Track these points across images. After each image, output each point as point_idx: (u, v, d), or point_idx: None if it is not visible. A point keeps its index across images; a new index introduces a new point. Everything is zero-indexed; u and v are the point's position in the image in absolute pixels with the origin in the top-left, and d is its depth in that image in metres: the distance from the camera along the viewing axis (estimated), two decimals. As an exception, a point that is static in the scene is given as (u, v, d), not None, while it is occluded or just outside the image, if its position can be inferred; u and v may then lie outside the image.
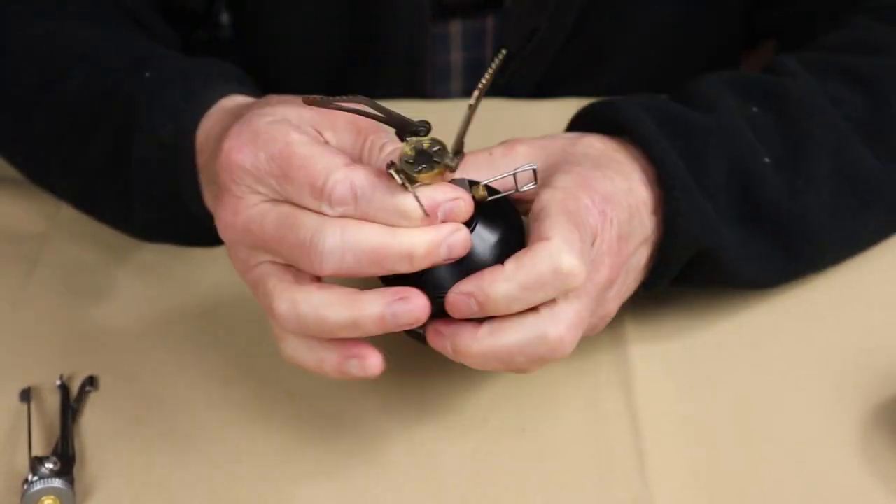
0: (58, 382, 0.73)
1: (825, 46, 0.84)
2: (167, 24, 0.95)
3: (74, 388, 0.73)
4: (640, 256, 0.69)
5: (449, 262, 0.60)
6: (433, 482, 0.68)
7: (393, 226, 0.58)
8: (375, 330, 0.59)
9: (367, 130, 0.64)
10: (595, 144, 0.71)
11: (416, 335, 0.64)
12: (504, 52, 0.59)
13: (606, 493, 0.67)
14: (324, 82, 1.03)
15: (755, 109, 0.74)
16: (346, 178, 0.58)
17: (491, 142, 0.96)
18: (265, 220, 0.60)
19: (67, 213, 0.87)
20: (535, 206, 0.64)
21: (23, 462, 0.68)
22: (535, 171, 0.64)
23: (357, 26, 0.99)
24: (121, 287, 0.81)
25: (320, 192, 0.58)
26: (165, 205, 0.74)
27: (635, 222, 0.68)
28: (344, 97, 0.58)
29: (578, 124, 0.76)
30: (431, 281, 0.60)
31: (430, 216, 0.58)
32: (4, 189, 0.90)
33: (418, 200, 0.58)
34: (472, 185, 0.61)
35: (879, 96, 0.77)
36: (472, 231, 0.60)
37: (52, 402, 0.73)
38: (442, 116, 0.99)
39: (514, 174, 0.63)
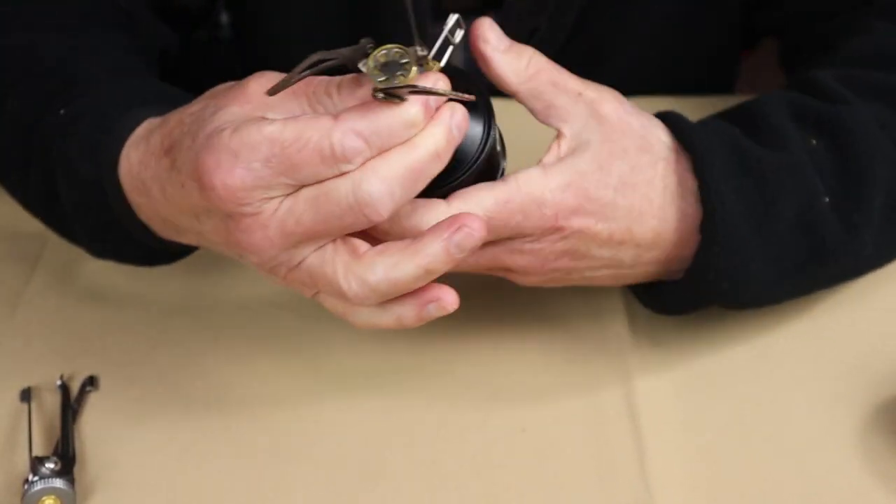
0: (58, 382, 0.73)
1: (856, 58, 0.82)
2: (165, 24, 0.94)
3: (75, 388, 0.73)
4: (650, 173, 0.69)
5: (464, 217, 0.59)
6: (433, 482, 0.68)
7: (407, 141, 0.58)
8: (447, 268, 0.59)
9: (303, 91, 0.62)
10: (664, 140, 0.71)
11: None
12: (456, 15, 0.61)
13: (606, 493, 0.67)
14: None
15: (814, 142, 0.72)
16: (345, 130, 0.57)
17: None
18: (299, 214, 0.59)
19: (67, 213, 0.87)
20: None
21: (23, 462, 0.68)
22: (458, 19, 0.63)
23: (357, 27, 0.99)
24: (121, 287, 0.81)
25: (332, 157, 0.57)
26: (106, 235, 0.71)
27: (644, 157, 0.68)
28: (299, 66, 0.58)
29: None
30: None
31: (429, 112, 0.58)
32: (4, 189, 0.90)
33: (426, 92, 0.58)
34: (421, 62, 0.60)
35: None
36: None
37: (53, 402, 0.73)
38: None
39: (445, 35, 0.63)
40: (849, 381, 0.73)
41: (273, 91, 0.58)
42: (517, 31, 0.98)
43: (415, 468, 0.69)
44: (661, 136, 0.71)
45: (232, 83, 0.64)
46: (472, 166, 0.63)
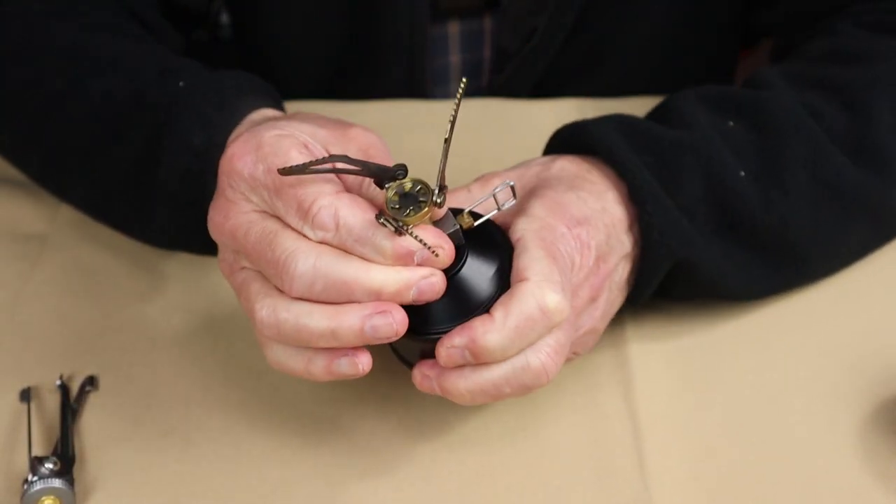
0: (58, 382, 0.73)
1: (806, 57, 0.84)
2: (171, 27, 0.94)
3: (74, 388, 0.73)
4: (621, 272, 0.71)
5: (418, 303, 0.60)
6: (433, 483, 0.68)
7: (369, 260, 0.59)
8: (354, 341, 0.60)
9: (376, 160, 0.64)
10: (568, 167, 0.72)
11: (407, 363, 0.65)
12: (465, 81, 0.61)
13: (606, 494, 0.67)
14: (324, 82, 1.03)
15: (731, 123, 0.75)
16: (331, 206, 0.59)
17: (491, 141, 0.97)
18: (249, 231, 0.61)
19: (67, 214, 0.87)
20: (513, 236, 0.65)
21: (23, 462, 0.68)
22: (512, 186, 0.64)
23: (356, 27, 0.99)
24: (121, 287, 0.81)
25: (305, 214, 0.59)
26: (188, 212, 0.73)
27: (613, 241, 0.69)
28: (320, 159, 0.59)
29: (554, 146, 0.77)
30: (428, 314, 0.61)
31: (403, 257, 0.59)
32: (5, 190, 0.90)
33: (420, 240, 0.59)
34: (456, 213, 0.62)
35: (858, 106, 0.77)
36: (464, 261, 0.62)
37: (52, 402, 0.73)
38: (441, 117, 0.99)
39: (494, 195, 0.64)
40: (849, 381, 0.74)
41: (285, 171, 0.59)
42: (516, 31, 0.99)
43: (415, 468, 0.69)
44: (564, 165, 0.72)
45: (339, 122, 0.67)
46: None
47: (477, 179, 0.71)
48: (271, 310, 0.61)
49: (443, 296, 0.61)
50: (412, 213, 0.59)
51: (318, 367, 0.62)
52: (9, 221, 0.87)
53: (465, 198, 0.69)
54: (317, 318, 0.60)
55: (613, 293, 0.70)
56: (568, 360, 0.68)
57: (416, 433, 0.71)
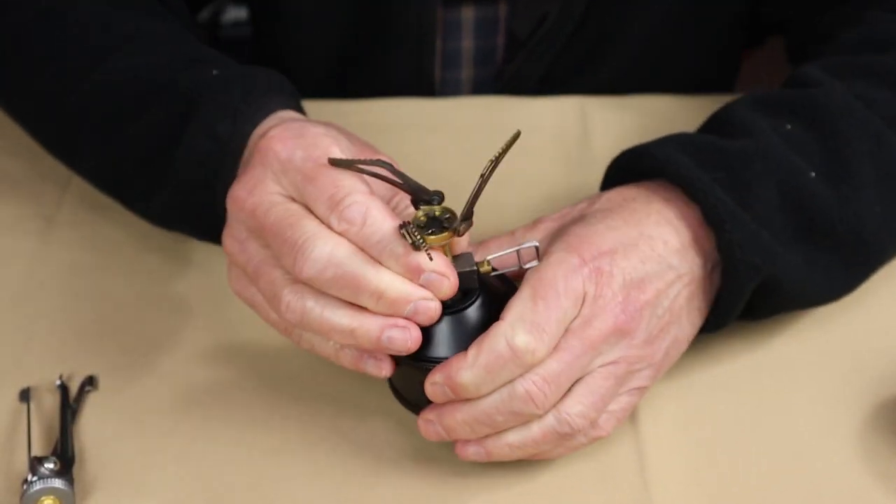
0: (57, 382, 0.73)
1: (843, 49, 0.83)
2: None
3: (74, 387, 0.73)
4: (674, 298, 0.68)
5: (411, 322, 0.62)
6: (433, 481, 0.68)
7: (381, 264, 0.61)
8: (368, 345, 0.62)
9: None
10: (613, 197, 0.71)
11: (407, 402, 0.68)
12: (518, 132, 0.63)
13: (606, 494, 0.67)
14: (334, 61, 1.04)
15: (789, 126, 0.73)
16: (363, 203, 0.61)
17: (492, 138, 0.96)
18: (271, 210, 0.62)
19: (68, 214, 0.87)
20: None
21: (22, 462, 0.68)
22: (536, 248, 0.66)
23: (366, 7, 1.00)
24: (120, 287, 0.81)
25: (336, 204, 0.61)
26: (197, 196, 0.74)
27: (652, 266, 0.67)
28: (368, 160, 0.62)
29: (613, 173, 0.76)
30: (431, 345, 0.64)
31: (413, 272, 0.61)
32: (5, 189, 0.90)
33: (429, 255, 0.61)
34: (461, 228, 0.63)
35: None
36: (472, 301, 0.64)
37: (52, 402, 0.73)
38: (446, 116, 0.99)
39: (518, 251, 0.67)
40: (849, 381, 0.73)
41: (334, 162, 0.62)
42: (527, 19, 0.99)
43: (415, 468, 0.69)
44: (609, 197, 0.72)
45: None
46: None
47: (525, 225, 0.72)
48: (299, 296, 0.62)
49: (448, 330, 0.64)
50: (433, 234, 0.61)
51: (347, 357, 0.65)
52: (9, 221, 0.87)
53: (507, 242, 0.71)
54: (339, 315, 0.62)
55: (664, 320, 0.68)
56: (636, 394, 0.68)
57: (417, 434, 0.71)
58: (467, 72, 1.04)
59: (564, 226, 0.70)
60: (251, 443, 0.70)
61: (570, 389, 0.65)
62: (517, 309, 0.63)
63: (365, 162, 0.62)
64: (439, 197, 0.63)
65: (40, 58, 0.83)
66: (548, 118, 0.99)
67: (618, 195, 0.72)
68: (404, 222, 0.61)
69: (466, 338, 0.64)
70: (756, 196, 0.69)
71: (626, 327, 0.65)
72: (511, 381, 0.63)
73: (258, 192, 0.63)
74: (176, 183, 0.75)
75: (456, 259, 0.64)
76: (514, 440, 0.65)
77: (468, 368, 0.62)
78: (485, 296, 0.65)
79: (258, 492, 0.68)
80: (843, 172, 0.72)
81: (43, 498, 0.65)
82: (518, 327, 0.62)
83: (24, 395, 0.73)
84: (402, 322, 0.61)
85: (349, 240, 0.61)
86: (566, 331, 0.64)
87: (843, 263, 0.73)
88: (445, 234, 0.62)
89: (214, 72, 0.76)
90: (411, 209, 0.64)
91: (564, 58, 1.00)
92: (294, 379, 0.74)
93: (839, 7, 0.91)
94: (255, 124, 0.72)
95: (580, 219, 0.70)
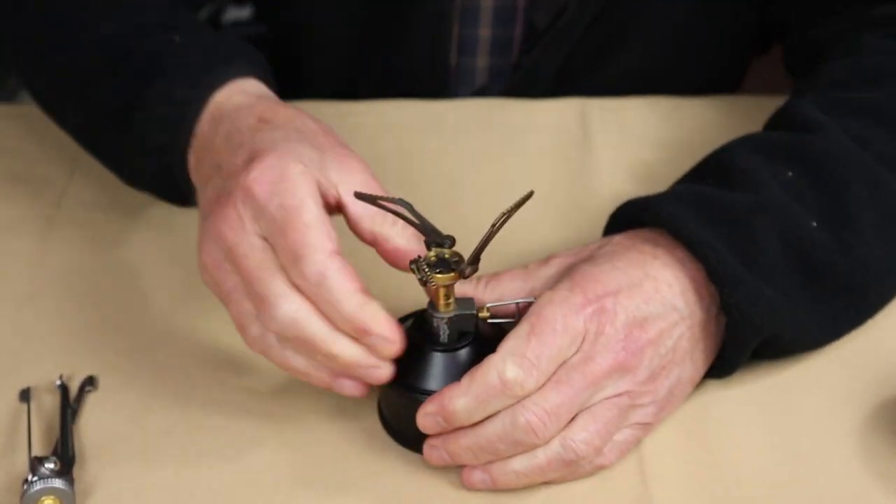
0: (57, 382, 0.73)
1: (837, 79, 0.83)
2: None
3: (74, 388, 0.73)
4: (680, 340, 0.69)
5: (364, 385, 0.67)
6: (432, 480, 0.68)
7: (336, 325, 0.64)
8: (341, 368, 0.66)
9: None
10: (621, 241, 0.72)
11: (400, 436, 0.70)
12: (532, 192, 0.64)
13: (606, 493, 0.67)
14: (350, 47, 1.05)
15: (790, 174, 0.73)
16: (323, 263, 0.63)
17: (493, 139, 0.97)
18: (248, 256, 0.65)
19: (68, 215, 0.87)
20: None
21: (23, 462, 0.68)
22: (531, 303, 0.68)
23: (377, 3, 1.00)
24: (120, 287, 0.81)
25: (297, 261, 0.63)
26: (157, 157, 0.76)
27: (656, 307, 0.68)
28: (387, 197, 0.65)
29: (616, 222, 0.76)
30: (425, 379, 0.67)
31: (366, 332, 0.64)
32: (6, 189, 0.90)
33: (434, 288, 0.66)
34: (465, 272, 0.67)
35: None
36: (467, 343, 0.68)
37: (52, 402, 0.73)
38: (451, 118, 0.99)
39: (518, 303, 0.70)
40: (849, 381, 0.73)
41: (357, 195, 0.65)
42: (546, 9, 0.99)
43: (415, 468, 0.69)
44: (619, 240, 0.73)
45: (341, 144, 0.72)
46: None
47: (539, 261, 0.73)
48: (263, 334, 0.66)
49: (441, 367, 0.67)
50: (441, 273, 0.65)
51: (320, 376, 0.67)
52: (11, 222, 0.87)
53: (520, 275, 0.72)
54: (297, 359, 0.66)
55: (666, 359, 0.68)
56: (641, 428, 0.69)
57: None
58: (483, 60, 1.04)
59: (574, 264, 0.71)
60: (251, 443, 0.70)
61: (573, 419, 0.66)
62: (512, 343, 0.65)
63: (386, 199, 0.65)
64: (451, 241, 0.66)
65: (35, 17, 0.87)
66: (548, 119, 0.99)
67: (626, 239, 0.72)
68: (416, 258, 0.66)
69: (457, 376, 0.66)
70: (759, 249, 0.70)
71: (628, 364, 0.66)
72: (512, 411, 0.64)
73: (237, 230, 0.65)
74: (139, 145, 0.77)
75: (458, 301, 0.67)
76: (519, 468, 0.66)
77: (460, 396, 0.64)
78: (479, 340, 0.68)
79: (259, 491, 0.68)
80: (844, 219, 0.72)
81: (43, 498, 0.65)
82: (509, 361, 0.64)
83: (25, 395, 0.73)
84: (351, 379, 0.66)
85: (307, 296, 0.64)
86: (568, 366, 0.65)
87: (846, 307, 0.73)
88: (452, 274, 0.65)
89: (176, 38, 0.79)
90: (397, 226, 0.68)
91: (581, 49, 1.01)
92: (294, 379, 0.74)
93: (834, 20, 0.92)
94: (212, 90, 0.75)
95: (588, 258, 0.71)
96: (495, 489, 0.67)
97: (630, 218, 0.74)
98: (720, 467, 0.69)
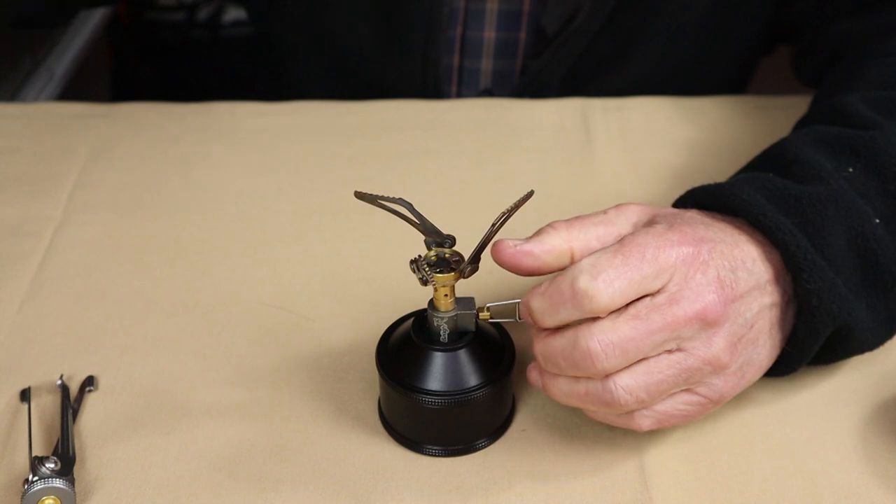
0: (58, 382, 0.73)
1: (881, 80, 0.83)
2: None
3: (74, 387, 0.73)
4: (760, 315, 0.67)
5: None
6: (432, 479, 0.68)
7: None
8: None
9: None
10: (699, 216, 0.70)
11: (399, 435, 0.71)
12: (532, 191, 0.65)
13: (606, 494, 0.67)
14: (350, 47, 1.05)
15: (850, 170, 0.72)
16: None
17: (493, 139, 0.97)
18: None
19: (70, 216, 0.87)
20: None
21: (23, 462, 0.68)
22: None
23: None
24: (121, 288, 0.81)
25: None
26: None
27: (743, 273, 0.66)
28: (388, 197, 0.64)
29: (685, 204, 0.74)
30: (424, 377, 0.68)
31: None
32: (7, 189, 0.90)
33: (434, 287, 0.66)
34: (465, 272, 0.68)
35: None
36: (468, 345, 0.68)
37: (53, 402, 0.73)
38: (446, 117, 1.00)
39: (517, 303, 0.68)
40: (849, 381, 0.73)
41: (357, 195, 0.64)
42: (557, 14, 0.99)
43: (414, 468, 0.69)
44: (696, 213, 0.71)
45: None
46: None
47: (615, 207, 0.71)
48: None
49: (441, 366, 0.67)
50: (441, 273, 0.66)
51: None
52: (12, 223, 0.87)
53: (601, 220, 0.69)
54: None
55: (744, 330, 0.66)
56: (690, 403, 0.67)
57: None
58: (487, 63, 1.04)
59: (658, 214, 0.69)
60: (251, 443, 0.70)
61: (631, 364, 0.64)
62: (596, 255, 0.64)
63: (386, 198, 0.64)
64: (451, 241, 0.67)
65: None
66: (550, 119, 0.99)
67: (704, 216, 0.70)
68: (416, 258, 0.66)
69: (457, 375, 0.67)
70: (829, 242, 0.69)
71: (712, 316, 0.64)
72: (578, 332, 0.63)
73: None
74: None
75: (458, 301, 0.68)
76: (564, 388, 0.66)
77: (538, 296, 0.65)
78: (479, 339, 0.69)
79: (259, 492, 0.68)
80: None
81: (44, 498, 0.65)
82: (586, 271, 0.63)
83: (25, 395, 0.73)
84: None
85: None
86: (650, 303, 0.64)
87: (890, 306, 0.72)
88: (452, 274, 0.66)
89: None
90: None
91: (589, 56, 1.01)
92: (294, 378, 0.74)
93: (854, 21, 0.91)
94: None
95: (674, 215, 0.69)
96: (546, 393, 0.67)
97: (700, 203, 0.72)
98: (720, 467, 0.69)
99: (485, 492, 0.67)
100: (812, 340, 0.68)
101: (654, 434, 0.70)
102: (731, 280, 0.65)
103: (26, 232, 0.86)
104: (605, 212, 0.70)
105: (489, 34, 1.03)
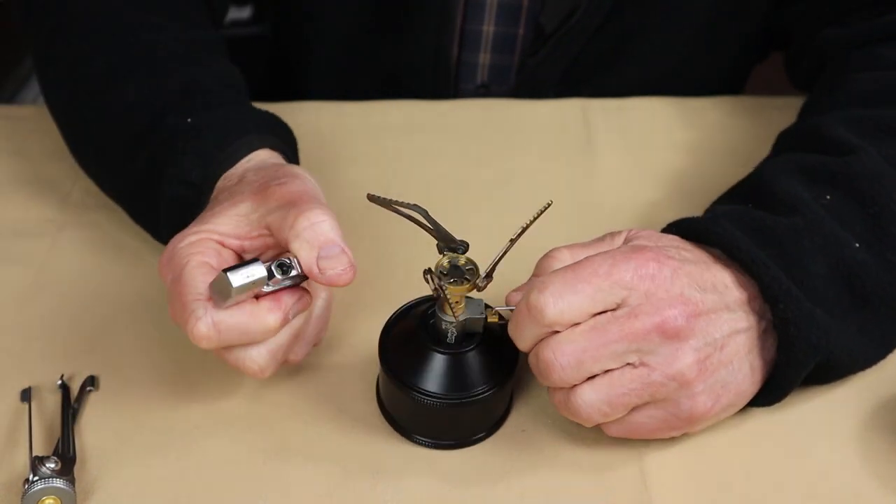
0: (59, 382, 0.73)
1: (861, 96, 0.83)
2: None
3: (75, 388, 0.74)
4: (731, 339, 0.67)
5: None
6: (434, 481, 0.68)
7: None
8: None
9: (297, 204, 0.67)
10: (680, 243, 0.70)
11: (401, 428, 0.71)
12: (550, 202, 0.65)
13: (607, 494, 0.67)
14: (351, 33, 1.06)
15: (829, 197, 0.73)
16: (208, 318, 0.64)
17: (493, 140, 0.97)
18: (167, 289, 0.67)
19: (71, 217, 0.87)
20: None
21: (23, 462, 0.68)
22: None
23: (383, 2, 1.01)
24: (121, 288, 0.81)
25: (185, 322, 0.65)
26: (172, 229, 0.74)
27: (709, 294, 0.66)
28: (402, 202, 0.64)
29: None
30: (428, 378, 0.68)
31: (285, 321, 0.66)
32: (9, 191, 0.90)
33: (450, 307, 0.67)
34: (487, 308, 0.69)
35: None
36: (475, 346, 0.68)
37: (53, 401, 0.73)
38: (451, 118, 1.00)
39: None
40: (849, 381, 0.73)
41: (370, 197, 0.64)
42: (556, 11, 0.99)
43: (416, 467, 0.69)
44: (675, 241, 0.71)
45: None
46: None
47: (610, 234, 0.72)
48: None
49: (448, 368, 0.68)
50: (454, 284, 0.66)
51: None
52: (14, 224, 0.87)
53: (600, 245, 0.71)
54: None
55: (711, 348, 0.66)
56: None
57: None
58: (485, 56, 1.04)
59: (639, 236, 0.71)
60: (251, 442, 0.70)
61: (595, 377, 0.65)
62: (553, 272, 0.66)
63: (401, 203, 0.64)
64: (464, 247, 0.67)
65: (69, 66, 0.86)
66: (551, 120, 0.99)
67: (688, 245, 0.71)
68: (428, 269, 0.66)
69: (464, 377, 0.67)
70: (808, 273, 0.69)
71: (673, 330, 0.64)
72: (539, 343, 0.66)
73: (174, 252, 0.68)
74: (165, 221, 0.78)
75: (467, 303, 0.68)
76: (551, 397, 0.68)
77: (510, 321, 0.67)
78: (486, 342, 0.69)
79: (259, 491, 0.68)
80: (887, 238, 0.72)
81: (44, 497, 0.65)
82: (536, 286, 0.65)
83: (26, 395, 0.73)
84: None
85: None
86: (609, 315, 0.64)
87: (894, 325, 0.72)
88: (466, 286, 0.66)
89: (189, 120, 0.78)
90: (310, 222, 0.66)
91: (587, 54, 1.01)
92: (294, 378, 0.74)
93: (841, 29, 0.91)
94: (226, 169, 0.75)
95: (654, 236, 0.71)
96: None
97: (682, 235, 0.73)
98: (720, 467, 0.69)
99: (484, 492, 0.67)
100: (794, 370, 0.69)
101: (654, 434, 0.70)
102: (698, 298, 0.66)
103: (28, 233, 0.86)
104: (601, 239, 0.72)
105: (488, 28, 1.03)
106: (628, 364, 0.65)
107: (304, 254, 0.65)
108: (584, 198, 0.90)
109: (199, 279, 0.65)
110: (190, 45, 0.87)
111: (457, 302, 0.67)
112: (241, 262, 0.64)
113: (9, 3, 0.94)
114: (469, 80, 1.06)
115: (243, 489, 0.68)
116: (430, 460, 0.69)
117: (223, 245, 0.68)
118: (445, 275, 0.66)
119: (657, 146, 0.96)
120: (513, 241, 0.65)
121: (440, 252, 0.67)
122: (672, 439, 0.70)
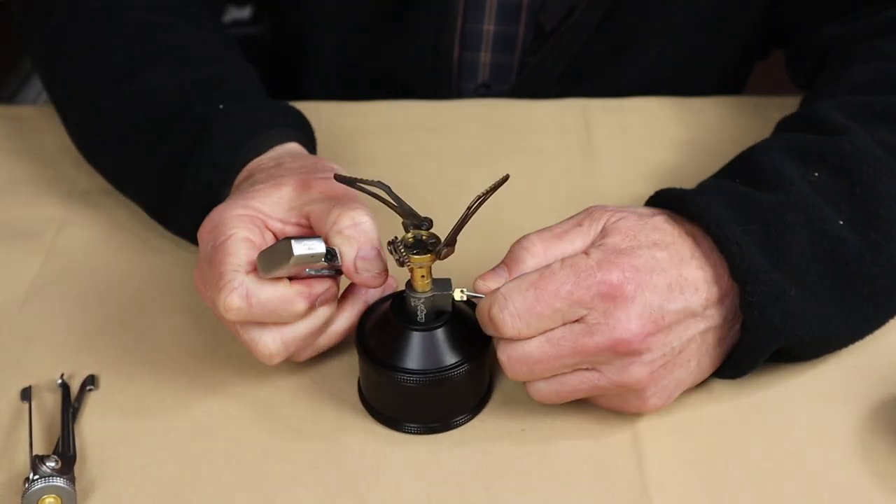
0: (59, 381, 0.73)
1: (858, 85, 0.83)
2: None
3: (75, 387, 0.74)
4: (689, 343, 0.68)
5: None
6: (433, 483, 0.68)
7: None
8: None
9: (341, 201, 0.70)
10: (665, 229, 0.70)
11: (380, 415, 0.72)
12: (507, 176, 0.66)
13: (606, 494, 0.67)
14: (353, 36, 1.06)
15: (816, 174, 0.73)
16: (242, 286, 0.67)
17: (493, 140, 0.97)
18: (203, 255, 0.70)
19: (71, 216, 0.87)
20: None
21: (24, 461, 0.69)
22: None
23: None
24: (122, 288, 0.81)
25: (219, 290, 0.67)
26: (203, 215, 0.75)
27: (672, 306, 0.67)
28: (367, 180, 0.67)
29: (654, 204, 0.75)
30: (402, 355, 0.69)
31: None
32: (9, 191, 0.90)
33: (410, 269, 0.67)
34: (455, 289, 0.70)
35: None
36: (444, 324, 0.69)
37: (53, 401, 0.73)
38: (448, 118, 1.00)
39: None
40: (849, 381, 0.73)
41: (337, 177, 0.68)
42: (555, 11, 1.00)
43: (415, 467, 0.69)
44: (661, 223, 0.71)
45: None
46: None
47: (587, 213, 0.71)
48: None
49: (419, 345, 0.69)
50: (417, 254, 0.67)
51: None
52: (14, 223, 0.87)
53: (572, 235, 0.70)
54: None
55: (667, 357, 0.67)
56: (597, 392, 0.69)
57: (417, 434, 0.71)
58: (486, 55, 1.05)
59: (616, 228, 0.70)
60: (252, 442, 0.70)
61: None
62: (514, 284, 0.67)
63: (365, 181, 0.66)
64: (428, 223, 0.68)
65: (83, 59, 0.88)
66: (551, 119, 0.99)
67: (671, 226, 0.71)
68: (393, 239, 0.67)
69: (435, 355, 0.68)
70: (789, 248, 0.69)
71: (626, 349, 0.66)
72: (499, 342, 0.67)
73: (217, 225, 0.70)
74: (186, 206, 0.79)
75: (435, 282, 0.69)
76: None
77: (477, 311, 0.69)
78: (456, 319, 0.70)
79: (259, 491, 0.68)
80: (872, 218, 0.72)
81: (44, 496, 0.65)
82: (498, 301, 0.66)
83: (26, 394, 0.73)
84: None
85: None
86: (567, 328, 0.66)
87: (875, 306, 0.73)
88: (428, 255, 0.67)
89: (221, 106, 0.81)
90: (351, 222, 0.68)
91: (587, 51, 1.01)
92: (294, 378, 0.74)
93: (840, 25, 0.92)
94: (253, 157, 0.78)
95: (634, 227, 0.70)
96: None
97: (665, 205, 0.73)
98: (719, 467, 0.69)
99: (484, 492, 0.68)
100: (753, 353, 0.69)
101: (654, 434, 0.70)
102: (658, 315, 0.66)
103: (28, 232, 0.86)
104: (579, 223, 0.71)
105: (488, 27, 1.03)
106: (579, 369, 0.67)
107: (345, 250, 0.68)
108: (584, 198, 0.90)
109: (242, 251, 0.68)
110: (210, 43, 0.90)
111: (422, 276, 0.68)
112: (302, 236, 0.67)
113: (8, 3, 0.94)
114: (470, 80, 1.06)
115: (244, 489, 0.68)
116: (431, 457, 0.69)
117: (266, 226, 0.71)
118: (409, 247, 0.67)
119: (657, 146, 0.96)
120: (470, 211, 0.65)
121: (406, 230, 0.68)
122: (673, 440, 0.70)
